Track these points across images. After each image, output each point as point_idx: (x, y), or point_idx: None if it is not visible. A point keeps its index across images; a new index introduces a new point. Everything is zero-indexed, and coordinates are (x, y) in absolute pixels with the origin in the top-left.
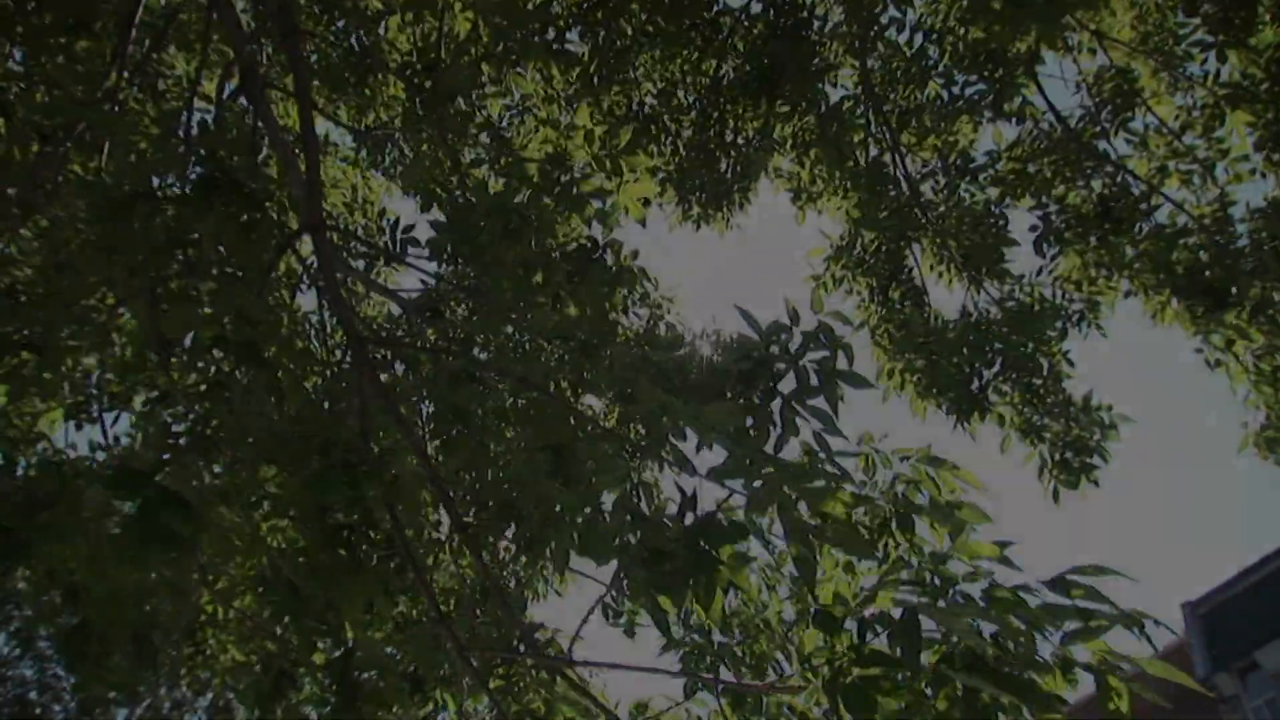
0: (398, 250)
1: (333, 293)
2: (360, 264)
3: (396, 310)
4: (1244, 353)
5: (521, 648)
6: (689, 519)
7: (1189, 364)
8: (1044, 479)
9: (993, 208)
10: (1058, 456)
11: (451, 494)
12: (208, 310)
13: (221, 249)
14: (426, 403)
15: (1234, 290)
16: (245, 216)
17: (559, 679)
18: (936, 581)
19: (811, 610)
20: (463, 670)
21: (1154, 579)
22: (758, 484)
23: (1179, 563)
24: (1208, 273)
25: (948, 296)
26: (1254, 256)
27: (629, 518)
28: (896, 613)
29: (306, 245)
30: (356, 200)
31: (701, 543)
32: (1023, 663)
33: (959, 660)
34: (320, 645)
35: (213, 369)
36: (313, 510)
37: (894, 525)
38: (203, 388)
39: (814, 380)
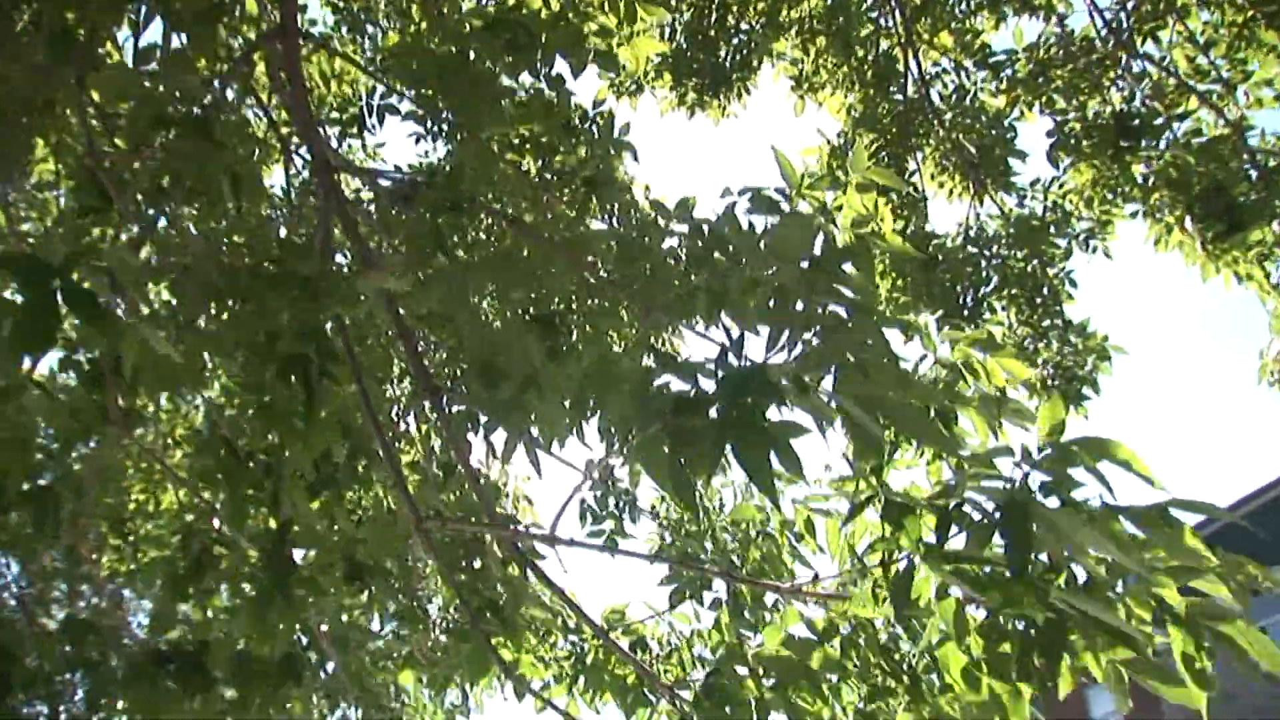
0: (375, 118)
1: (300, 110)
2: (334, 133)
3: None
4: (1276, 271)
5: (488, 533)
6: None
7: (1184, 296)
8: (1033, 400)
9: (1003, 120)
10: (1048, 382)
11: (421, 348)
12: (148, 84)
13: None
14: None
15: (1263, 208)
16: None
17: (529, 572)
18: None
19: (879, 497)
20: (425, 547)
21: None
22: (811, 339)
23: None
24: (1230, 191)
25: (948, 209)
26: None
27: (652, 360)
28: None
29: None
30: (334, 71)
31: (747, 397)
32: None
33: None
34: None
35: (153, 177)
36: (262, 338)
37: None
38: (140, 198)
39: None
